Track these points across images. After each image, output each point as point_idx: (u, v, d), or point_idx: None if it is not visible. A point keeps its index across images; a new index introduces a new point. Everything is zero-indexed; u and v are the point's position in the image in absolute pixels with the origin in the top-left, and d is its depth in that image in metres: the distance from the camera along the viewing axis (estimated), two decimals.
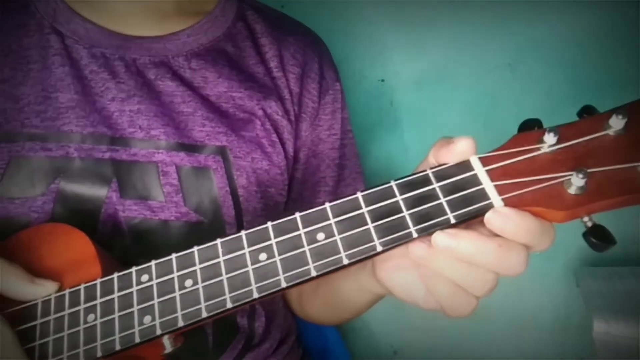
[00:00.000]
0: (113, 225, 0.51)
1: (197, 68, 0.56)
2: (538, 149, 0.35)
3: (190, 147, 0.53)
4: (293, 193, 0.63)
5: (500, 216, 0.33)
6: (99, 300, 0.38)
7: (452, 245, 0.33)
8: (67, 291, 0.39)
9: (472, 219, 0.34)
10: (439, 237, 0.34)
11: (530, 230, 0.33)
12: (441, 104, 0.82)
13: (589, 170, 0.33)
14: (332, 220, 0.35)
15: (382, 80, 0.85)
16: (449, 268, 0.34)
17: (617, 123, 0.34)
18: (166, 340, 0.37)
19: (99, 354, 0.36)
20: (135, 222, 0.51)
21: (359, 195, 0.36)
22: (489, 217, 0.33)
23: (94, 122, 0.52)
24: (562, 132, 0.35)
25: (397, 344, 0.94)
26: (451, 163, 0.36)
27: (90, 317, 0.38)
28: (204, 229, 0.52)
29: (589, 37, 0.75)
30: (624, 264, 0.79)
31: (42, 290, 0.40)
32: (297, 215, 0.36)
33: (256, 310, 0.59)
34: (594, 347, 0.66)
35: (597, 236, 0.33)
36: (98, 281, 0.39)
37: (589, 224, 0.34)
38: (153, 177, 0.52)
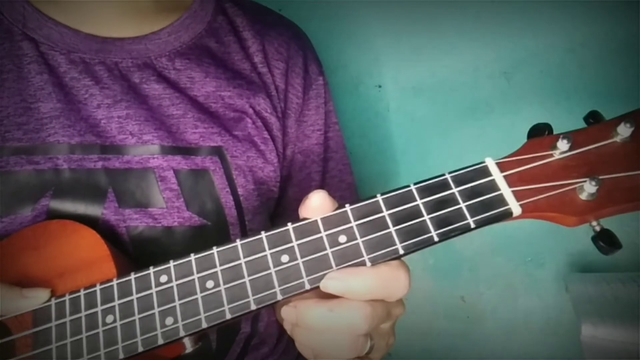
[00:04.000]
0: (113, 236, 0.49)
1: (181, 68, 0.55)
2: (551, 155, 0.36)
3: (186, 150, 0.52)
4: (280, 190, 0.61)
5: (336, 280, 0.34)
6: (117, 302, 0.37)
7: (293, 319, 0.36)
8: (82, 292, 0.39)
9: (491, 224, 0.35)
10: (286, 311, 0.36)
11: (368, 283, 0.34)
12: (437, 111, 0.83)
13: (601, 178, 0.34)
14: (354, 223, 0.36)
15: (379, 87, 0.84)
16: (311, 340, 0.36)
17: (624, 131, 0.36)
18: (187, 341, 0.37)
19: (121, 355, 0.36)
20: (138, 231, 0.49)
21: (379, 198, 0.36)
22: (325, 284, 0.35)
23: (81, 131, 0.49)
24: (574, 138, 0.36)
25: None
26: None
27: (109, 318, 0.37)
28: (208, 232, 0.51)
29: (584, 45, 0.76)
30: (612, 270, 0.82)
31: (34, 301, 0.39)
32: (319, 218, 0.37)
33: (259, 315, 0.58)
34: (582, 350, 0.68)
35: (605, 240, 0.35)
36: (115, 282, 0.38)
37: (597, 228, 0.36)
38: (151, 183, 0.50)
